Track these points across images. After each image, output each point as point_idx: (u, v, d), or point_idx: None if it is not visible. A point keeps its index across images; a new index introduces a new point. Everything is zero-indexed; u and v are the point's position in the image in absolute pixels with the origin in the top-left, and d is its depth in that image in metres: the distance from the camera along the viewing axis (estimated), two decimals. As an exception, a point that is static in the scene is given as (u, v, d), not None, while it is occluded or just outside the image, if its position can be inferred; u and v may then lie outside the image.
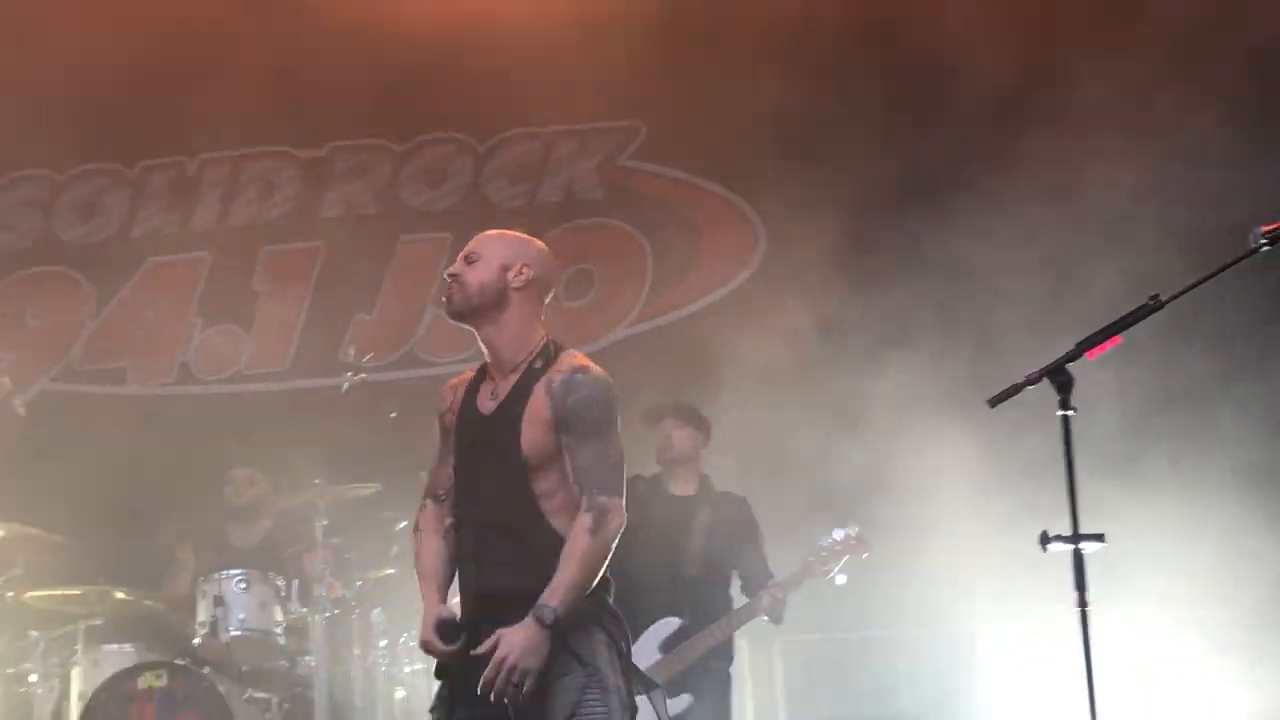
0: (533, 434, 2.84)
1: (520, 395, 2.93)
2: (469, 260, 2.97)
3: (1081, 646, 3.13)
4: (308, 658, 6.23)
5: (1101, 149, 6.86)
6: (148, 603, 6.62)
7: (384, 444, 6.78)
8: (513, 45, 7.34)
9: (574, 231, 7.98)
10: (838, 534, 5.47)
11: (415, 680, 6.54)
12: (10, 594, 6.42)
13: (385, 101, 8.00)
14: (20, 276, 8.28)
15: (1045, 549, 3.17)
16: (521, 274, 2.93)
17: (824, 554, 5.43)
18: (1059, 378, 3.23)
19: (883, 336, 7.07)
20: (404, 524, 6.15)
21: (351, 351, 6.73)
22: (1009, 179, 6.71)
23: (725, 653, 5.34)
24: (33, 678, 6.40)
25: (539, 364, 2.95)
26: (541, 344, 2.97)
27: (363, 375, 6.46)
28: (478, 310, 2.94)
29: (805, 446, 6.76)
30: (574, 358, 2.96)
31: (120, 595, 6.39)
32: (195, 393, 8.19)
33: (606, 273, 8.09)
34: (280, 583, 6.30)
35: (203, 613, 6.21)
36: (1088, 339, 3.19)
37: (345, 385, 6.45)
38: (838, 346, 7.01)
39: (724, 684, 5.36)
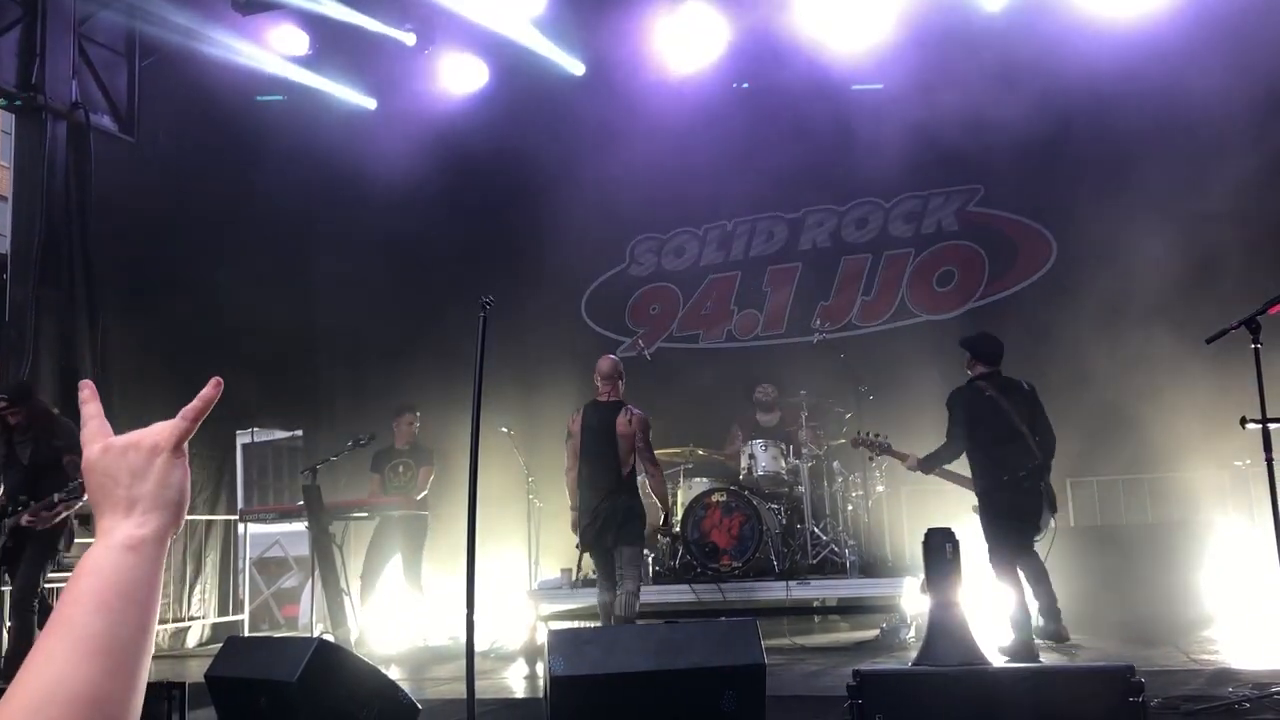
0: None
1: None
2: None
3: (1269, 492, 3.87)
4: (799, 486, 8.18)
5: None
6: (716, 456, 8.79)
7: (843, 370, 8.40)
8: (900, 139, 9.12)
9: (942, 248, 9.69)
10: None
11: (857, 501, 8.46)
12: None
13: (823, 178, 9.87)
14: (642, 291, 10.79)
15: (1244, 427, 4.09)
16: None
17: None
18: (1251, 325, 4.13)
19: (1123, 311, 8.31)
20: (850, 414, 8.33)
21: (817, 322, 8.97)
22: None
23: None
24: (655, 495, 8.38)
25: None
26: None
27: (824, 336, 8.57)
28: None
29: (1074, 375, 8.21)
30: None
31: (700, 451, 8.75)
32: (735, 347, 10.47)
33: (960, 271, 9.68)
34: (784, 446, 8.25)
35: (744, 461, 8.28)
36: (1268, 301, 4.06)
37: (815, 340, 8.65)
38: (1098, 312, 8.48)
39: None
